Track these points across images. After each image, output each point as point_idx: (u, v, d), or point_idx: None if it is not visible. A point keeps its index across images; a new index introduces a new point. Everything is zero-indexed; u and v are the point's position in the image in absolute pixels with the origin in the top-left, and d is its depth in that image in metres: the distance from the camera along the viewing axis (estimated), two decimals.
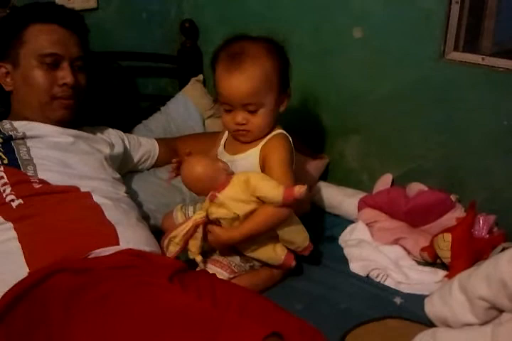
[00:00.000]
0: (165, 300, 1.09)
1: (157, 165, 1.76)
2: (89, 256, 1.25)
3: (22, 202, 1.31)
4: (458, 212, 1.59)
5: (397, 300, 1.39)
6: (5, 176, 1.34)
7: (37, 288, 1.16)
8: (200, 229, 1.37)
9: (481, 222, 1.49)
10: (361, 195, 1.75)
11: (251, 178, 1.34)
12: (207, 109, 2.00)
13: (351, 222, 1.71)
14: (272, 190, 1.32)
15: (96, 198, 1.37)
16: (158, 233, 1.46)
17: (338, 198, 1.78)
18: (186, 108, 2.00)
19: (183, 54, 2.09)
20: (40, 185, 1.35)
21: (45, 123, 1.48)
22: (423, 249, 1.53)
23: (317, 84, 1.83)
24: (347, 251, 1.57)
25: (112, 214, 1.35)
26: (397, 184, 1.75)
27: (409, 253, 1.56)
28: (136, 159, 1.71)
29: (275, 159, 1.39)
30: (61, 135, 1.48)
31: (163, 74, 2.11)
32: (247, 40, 1.41)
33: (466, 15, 1.55)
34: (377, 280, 1.47)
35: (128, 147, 1.68)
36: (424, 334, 1.19)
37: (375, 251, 1.55)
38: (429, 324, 1.27)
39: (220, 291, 1.24)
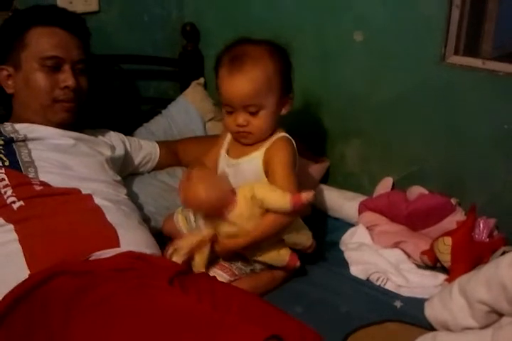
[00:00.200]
0: (165, 302, 1.09)
1: (158, 167, 1.77)
2: (90, 258, 1.25)
3: (23, 204, 1.31)
4: (458, 216, 1.59)
5: (398, 304, 1.38)
6: (6, 178, 1.35)
7: (37, 290, 1.16)
8: (208, 245, 1.37)
9: (481, 225, 1.49)
10: (362, 198, 1.75)
11: (256, 192, 1.33)
12: (208, 112, 2.01)
13: (352, 225, 1.71)
14: (279, 199, 1.32)
15: (97, 200, 1.38)
16: (159, 235, 1.47)
17: (339, 201, 1.78)
18: (187, 111, 2.00)
19: (185, 57, 2.09)
20: (41, 187, 1.35)
21: (47, 125, 1.48)
22: (423, 253, 1.53)
23: (318, 87, 1.83)
24: (347, 255, 1.57)
25: (112, 216, 1.35)
26: (397, 187, 1.75)
27: (409, 256, 1.56)
28: (136, 161, 1.71)
29: (278, 162, 1.39)
30: (62, 137, 1.48)
31: (165, 77, 2.12)
32: (249, 43, 1.41)
33: (466, 19, 1.55)
34: (378, 283, 1.46)
35: (129, 149, 1.68)
36: (424, 338, 1.19)
37: (376, 255, 1.55)
38: (430, 327, 1.27)
39: (220, 294, 1.24)
